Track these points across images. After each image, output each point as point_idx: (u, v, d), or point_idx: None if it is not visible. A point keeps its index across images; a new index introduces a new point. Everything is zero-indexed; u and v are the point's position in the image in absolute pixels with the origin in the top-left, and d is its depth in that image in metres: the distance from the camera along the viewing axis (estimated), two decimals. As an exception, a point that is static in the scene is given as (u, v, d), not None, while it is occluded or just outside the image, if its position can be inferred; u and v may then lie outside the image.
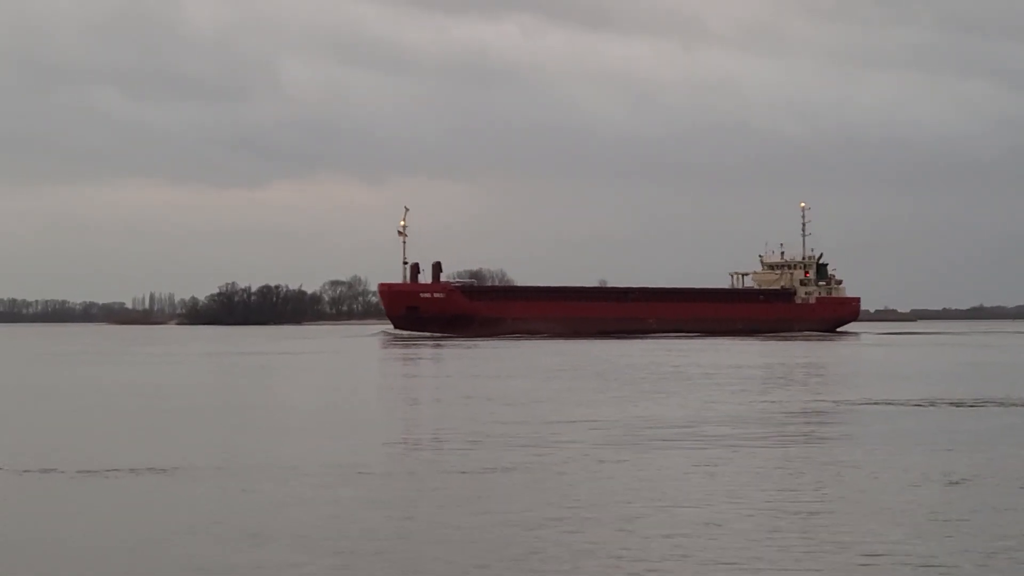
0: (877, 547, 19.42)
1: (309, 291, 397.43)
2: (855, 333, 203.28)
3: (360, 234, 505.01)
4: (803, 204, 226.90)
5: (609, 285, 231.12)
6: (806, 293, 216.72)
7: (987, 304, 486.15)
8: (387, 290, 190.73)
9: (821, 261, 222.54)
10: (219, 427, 40.20)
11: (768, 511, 22.70)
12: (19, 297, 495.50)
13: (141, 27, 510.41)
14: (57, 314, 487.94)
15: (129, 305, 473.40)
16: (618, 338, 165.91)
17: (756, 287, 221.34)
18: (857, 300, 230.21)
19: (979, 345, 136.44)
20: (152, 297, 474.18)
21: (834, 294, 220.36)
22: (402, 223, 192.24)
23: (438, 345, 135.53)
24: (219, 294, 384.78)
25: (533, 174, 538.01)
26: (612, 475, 27.45)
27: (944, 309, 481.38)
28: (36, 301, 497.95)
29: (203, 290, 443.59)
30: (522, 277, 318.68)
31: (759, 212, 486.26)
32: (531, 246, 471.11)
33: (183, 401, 51.02)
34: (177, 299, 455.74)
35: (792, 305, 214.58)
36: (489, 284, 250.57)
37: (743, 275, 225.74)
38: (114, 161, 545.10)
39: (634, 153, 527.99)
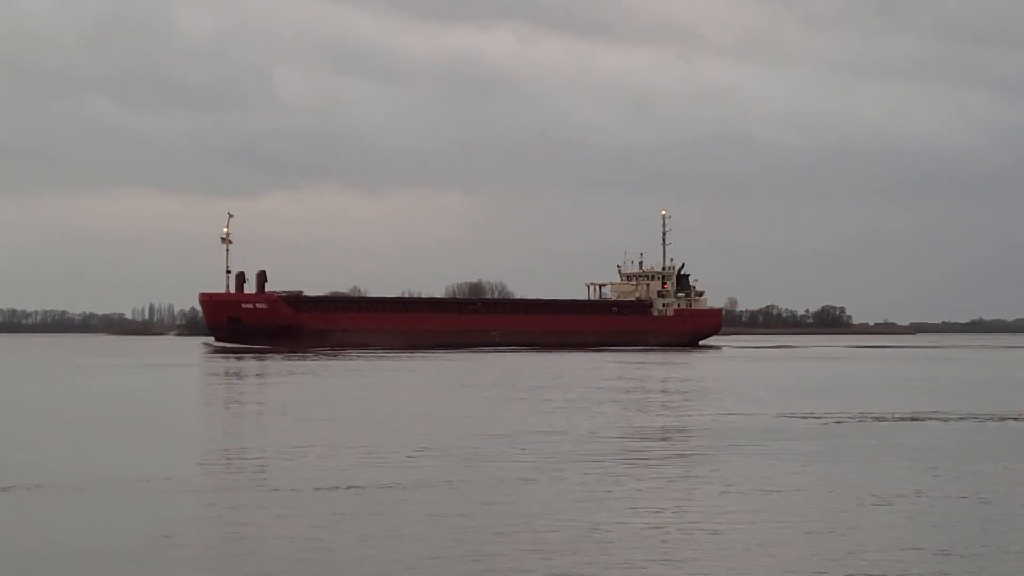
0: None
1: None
2: (716, 347, 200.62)
3: (358, 245, 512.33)
4: (663, 212, 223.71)
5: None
6: (663, 305, 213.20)
7: (987, 317, 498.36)
8: (207, 300, 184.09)
9: (683, 272, 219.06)
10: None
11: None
12: (19, 308, 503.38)
13: (134, 36, 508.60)
14: (57, 325, 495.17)
15: (129, 316, 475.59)
16: (449, 351, 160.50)
17: (615, 298, 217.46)
18: (719, 312, 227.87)
19: (852, 358, 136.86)
20: (152, 308, 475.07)
21: (695, 306, 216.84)
22: (225, 230, 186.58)
23: (255, 358, 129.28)
24: None
25: (531, 185, 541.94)
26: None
27: (944, 322, 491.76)
28: (35, 312, 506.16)
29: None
30: (521, 290, 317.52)
31: (757, 221, 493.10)
32: (529, 258, 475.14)
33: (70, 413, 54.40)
34: (177, 310, 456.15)
35: (648, 317, 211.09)
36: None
37: (600, 286, 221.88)
38: (111, 170, 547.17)
39: (632, 164, 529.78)
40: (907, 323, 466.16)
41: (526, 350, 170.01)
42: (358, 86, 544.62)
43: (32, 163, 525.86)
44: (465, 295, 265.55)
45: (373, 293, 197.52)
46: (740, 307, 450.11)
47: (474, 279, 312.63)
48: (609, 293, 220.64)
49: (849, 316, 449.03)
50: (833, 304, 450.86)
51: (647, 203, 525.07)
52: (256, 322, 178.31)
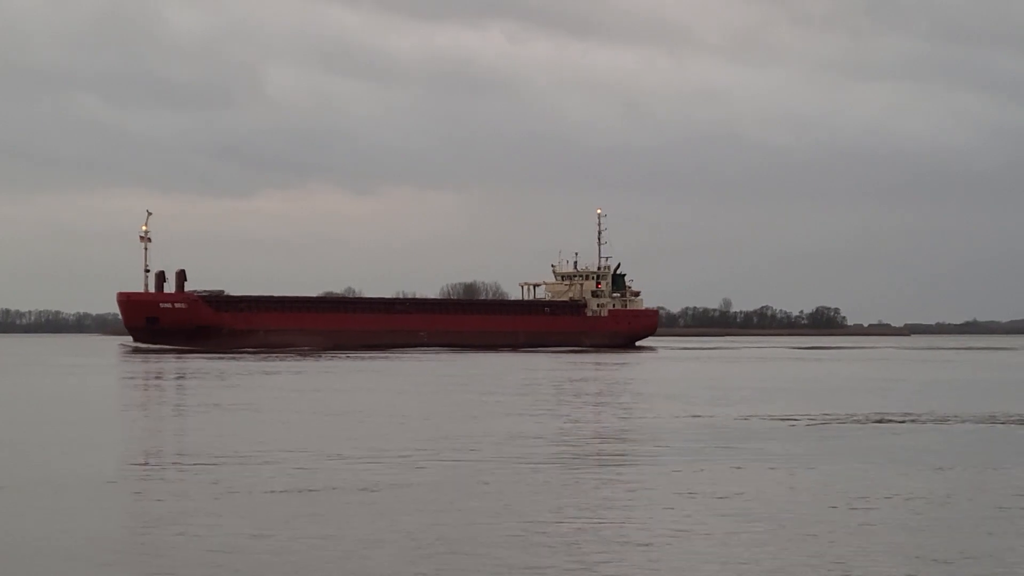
0: None
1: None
2: (652, 348, 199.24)
3: (350, 244, 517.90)
4: (599, 211, 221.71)
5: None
6: (598, 305, 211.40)
7: (981, 319, 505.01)
8: (125, 299, 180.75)
9: (618, 271, 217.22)
10: None
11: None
12: (12, 308, 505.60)
13: (125, 35, 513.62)
14: (51, 325, 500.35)
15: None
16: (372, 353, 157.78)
17: (549, 298, 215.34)
18: (655, 312, 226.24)
19: (791, 359, 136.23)
20: None
21: (630, 306, 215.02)
22: (144, 228, 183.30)
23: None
24: None
25: (522, 184, 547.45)
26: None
27: (938, 324, 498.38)
28: (29, 312, 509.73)
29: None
30: (515, 291, 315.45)
31: (750, 222, 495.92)
32: (521, 257, 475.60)
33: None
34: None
35: (582, 318, 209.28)
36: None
37: (535, 286, 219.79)
38: (102, 169, 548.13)
39: (624, 163, 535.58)
40: (902, 324, 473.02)
41: (453, 351, 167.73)
42: (349, 85, 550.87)
43: (23, 162, 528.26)
44: (460, 296, 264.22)
45: (367, 294, 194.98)
46: (734, 308, 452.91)
47: (468, 279, 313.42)
48: (543, 293, 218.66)
49: (844, 317, 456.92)
50: (827, 305, 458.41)
51: (638, 203, 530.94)
52: (174, 322, 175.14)
